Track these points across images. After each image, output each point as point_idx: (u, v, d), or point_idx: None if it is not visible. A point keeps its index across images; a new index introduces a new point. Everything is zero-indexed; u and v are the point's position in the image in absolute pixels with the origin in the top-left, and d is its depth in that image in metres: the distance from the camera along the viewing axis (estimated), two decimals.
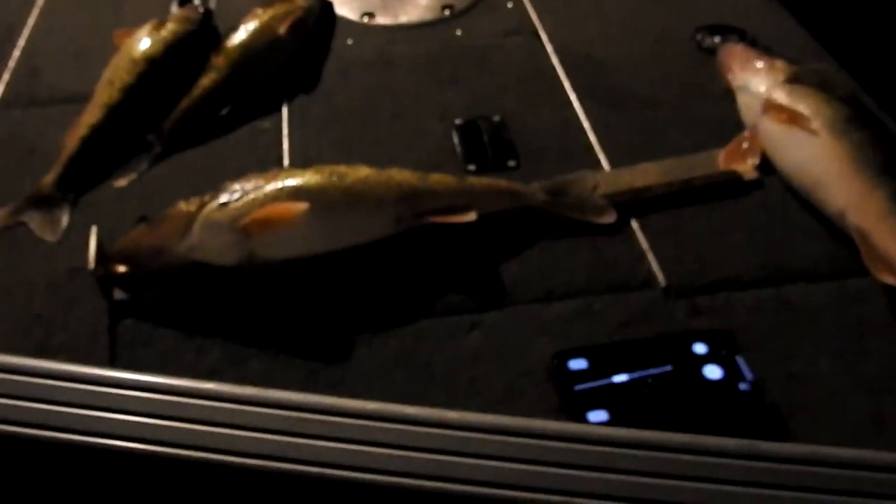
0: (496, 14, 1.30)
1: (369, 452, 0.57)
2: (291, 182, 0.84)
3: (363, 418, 0.59)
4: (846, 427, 0.73)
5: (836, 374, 0.78)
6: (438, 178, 0.89)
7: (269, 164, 1.02)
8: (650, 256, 0.89)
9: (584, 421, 0.71)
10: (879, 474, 0.56)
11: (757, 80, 1.03)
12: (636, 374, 0.75)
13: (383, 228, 0.86)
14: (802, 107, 0.96)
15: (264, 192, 0.83)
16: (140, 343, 0.79)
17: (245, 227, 0.80)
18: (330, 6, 1.31)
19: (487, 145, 1.03)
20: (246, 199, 0.82)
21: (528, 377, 0.78)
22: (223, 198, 0.83)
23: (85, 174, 0.98)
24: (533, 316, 0.83)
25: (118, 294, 0.83)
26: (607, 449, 0.57)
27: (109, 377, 0.65)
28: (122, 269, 0.83)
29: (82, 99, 1.09)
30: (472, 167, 1.00)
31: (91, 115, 1.02)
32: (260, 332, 0.80)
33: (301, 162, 1.02)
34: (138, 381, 0.64)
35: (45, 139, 1.05)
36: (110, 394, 0.63)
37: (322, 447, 0.57)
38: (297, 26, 1.18)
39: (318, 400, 0.59)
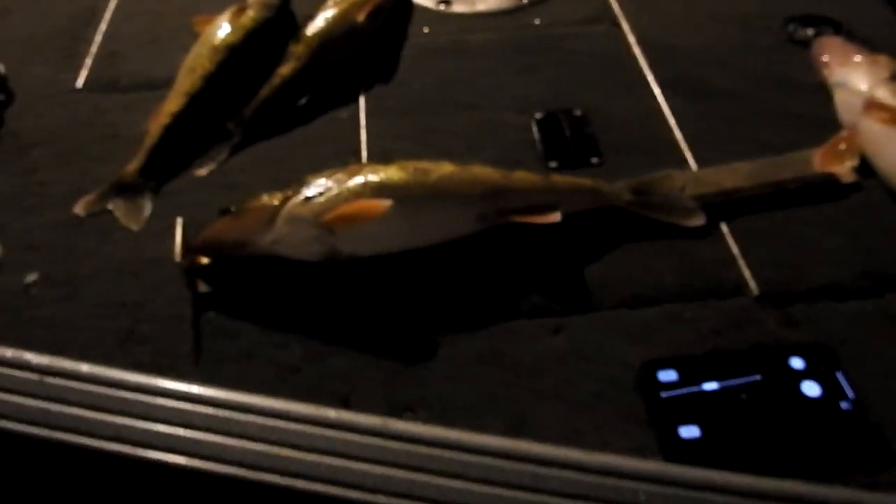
0: (575, 2, 1.27)
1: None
2: (375, 178, 0.82)
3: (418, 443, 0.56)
4: None
5: None
6: (522, 176, 0.86)
7: (346, 153, 1.01)
8: (741, 262, 0.85)
9: (675, 436, 0.69)
10: None
11: (857, 77, 0.98)
12: (729, 387, 0.72)
13: (466, 226, 0.84)
14: None
15: (348, 187, 0.82)
16: (223, 335, 0.80)
17: (328, 222, 0.79)
18: None
19: (569, 141, 1.00)
20: (329, 194, 0.81)
21: (614, 384, 0.75)
22: (306, 192, 0.82)
23: (167, 162, 0.99)
24: (619, 321, 0.81)
25: (202, 286, 0.83)
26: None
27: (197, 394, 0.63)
28: (205, 260, 0.83)
29: (162, 85, 1.09)
30: (553, 164, 0.97)
31: (173, 103, 1.02)
32: (342, 329, 0.80)
33: (378, 152, 1.01)
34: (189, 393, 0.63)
35: (126, 124, 1.06)
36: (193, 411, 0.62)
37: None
38: (375, 13, 1.16)
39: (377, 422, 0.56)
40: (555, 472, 0.55)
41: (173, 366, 0.76)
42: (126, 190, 0.94)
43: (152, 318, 0.82)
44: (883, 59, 0.99)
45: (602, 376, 0.76)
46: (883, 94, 0.93)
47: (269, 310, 0.82)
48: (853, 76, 0.99)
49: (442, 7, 1.27)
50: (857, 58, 1.01)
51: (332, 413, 0.58)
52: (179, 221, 0.83)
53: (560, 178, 0.89)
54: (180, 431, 0.58)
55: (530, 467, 0.55)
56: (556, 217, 0.83)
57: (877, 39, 1.12)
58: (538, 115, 1.04)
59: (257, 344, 0.79)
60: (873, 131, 0.93)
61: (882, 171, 0.92)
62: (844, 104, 0.99)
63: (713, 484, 0.54)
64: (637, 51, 1.16)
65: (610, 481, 0.54)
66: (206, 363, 0.77)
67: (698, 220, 0.88)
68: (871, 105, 0.93)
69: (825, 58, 1.05)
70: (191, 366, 0.77)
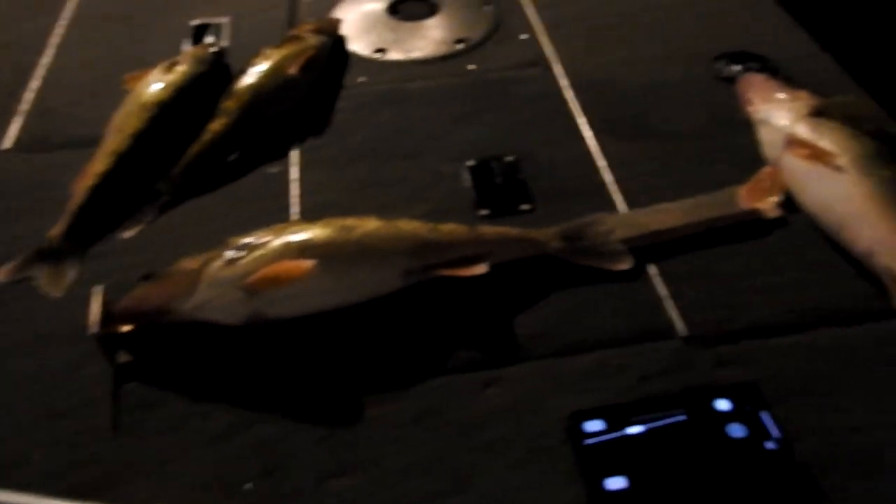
0: (510, 46, 1.28)
1: None
2: (298, 237, 0.82)
3: None
4: (886, 486, 0.70)
5: (874, 426, 0.74)
6: (449, 229, 0.86)
7: (280, 209, 1.00)
8: (670, 304, 0.86)
9: (601, 487, 0.68)
10: None
11: (779, 113, 1.00)
12: (654, 434, 0.72)
13: (393, 282, 0.84)
14: (827, 142, 0.92)
15: (271, 247, 0.81)
16: (145, 407, 0.78)
17: (251, 285, 0.78)
18: (342, 42, 1.30)
19: (501, 188, 1.00)
20: (252, 255, 0.80)
21: (548, 437, 0.74)
22: (228, 255, 0.81)
23: (93, 225, 0.97)
24: (550, 371, 0.80)
25: (122, 356, 0.81)
26: None
27: None
28: (125, 328, 0.81)
29: (95, 143, 1.07)
30: (484, 212, 0.97)
31: (99, 163, 1.01)
32: (268, 394, 0.78)
33: (313, 206, 1.00)
34: None
35: (58, 184, 1.04)
36: None
37: None
38: (309, 65, 1.16)
39: None
40: None
41: (89, 443, 0.74)
42: (50, 255, 0.93)
43: (71, 393, 0.79)
44: (803, 96, 1.01)
45: (535, 429, 0.75)
46: (803, 131, 0.95)
47: (193, 378, 0.80)
48: (775, 113, 1.01)
49: (378, 56, 1.28)
50: (780, 94, 1.03)
51: None
52: (97, 290, 0.81)
53: (488, 229, 0.89)
54: None
55: None
56: (482, 269, 0.83)
57: (805, 74, 1.15)
58: (470, 163, 1.04)
59: (181, 414, 0.77)
60: (795, 167, 0.94)
61: (804, 207, 0.93)
62: (768, 141, 1.01)
63: None
64: (570, 94, 1.17)
65: None
66: (126, 436, 0.75)
67: (627, 264, 0.88)
68: (792, 141, 0.95)
69: (749, 95, 1.07)
70: (110, 440, 0.75)
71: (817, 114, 0.96)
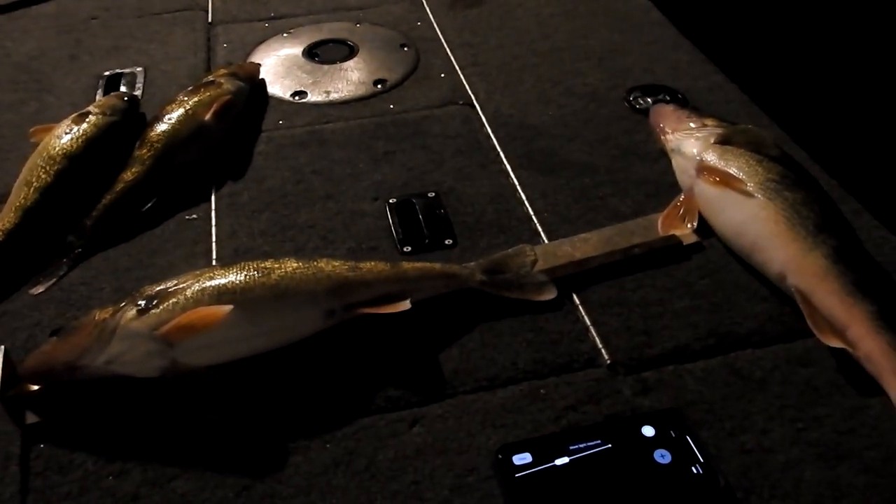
0: (429, 85, 1.30)
1: None
2: (213, 282, 0.80)
3: None
4: (806, 501, 0.71)
5: (790, 444, 0.75)
6: (370, 267, 0.85)
7: (197, 256, 0.98)
8: (594, 332, 0.86)
9: None
10: None
11: (688, 142, 1.03)
12: (583, 464, 0.72)
13: (314, 324, 0.82)
14: (735, 168, 0.95)
15: (185, 295, 0.79)
16: (55, 470, 0.74)
17: (165, 334, 0.76)
18: (262, 87, 1.29)
19: (423, 224, 1.00)
20: (165, 304, 0.78)
21: (474, 474, 0.74)
22: (141, 303, 0.78)
23: (0, 282, 0.93)
24: (476, 406, 0.79)
25: (30, 417, 0.77)
26: None
27: None
28: (33, 388, 0.77)
29: (0, 200, 1.04)
30: (407, 248, 0.97)
31: (6, 219, 0.97)
32: (185, 448, 0.75)
33: (230, 252, 0.98)
34: None
35: None
36: None
37: None
38: (224, 111, 1.15)
39: None
40: None
41: None
42: None
43: None
44: (710, 124, 1.05)
45: (461, 467, 0.74)
46: (712, 158, 0.98)
47: (105, 436, 0.76)
48: (686, 142, 1.04)
49: (296, 99, 1.27)
50: (689, 124, 1.07)
51: None
52: (1, 350, 0.77)
53: (409, 266, 0.88)
54: None
55: None
56: (405, 306, 0.83)
57: (713, 104, 1.20)
58: (392, 200, 1.04)
59: (92, 474, 0.73)
60: (707, 194, 0.97)
61: (718, 231, 0.96)
62: (680, 169, 1.04)
63: None
64: (489, 129, 1.19)
65: None
66: (35, 502, 0.71)
67: (550, 294, 0.89)
68: (702, 168, 0.98)
69: (661, 125, 1.11)
70: None
71: (724, 141, 1.00)
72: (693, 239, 0.96)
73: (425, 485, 0.73)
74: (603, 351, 0.84)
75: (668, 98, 1.21)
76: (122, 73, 1.33)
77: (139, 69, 1.34)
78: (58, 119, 1.15)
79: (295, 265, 0.84)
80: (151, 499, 0.71)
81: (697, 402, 0.79)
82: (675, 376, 0.82)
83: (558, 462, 0.72)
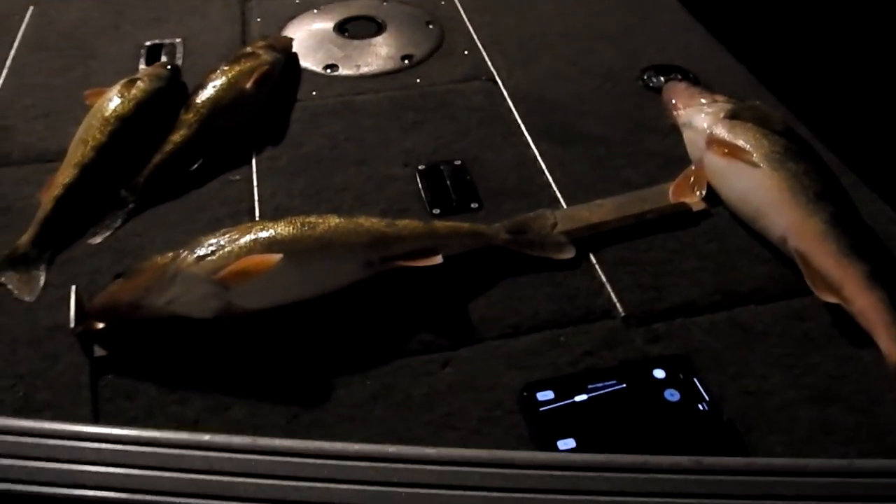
0: (453, 61, 1.37)
1: (355, 490, 0.60)
2: (265, 234, 0.87)
3: (346, 459, 0.62)
4: (799, 436, 0.78)
5: (787, 388, 0.83)
6: (405, 224, 0.93)
7: (240, 214, 1.05)
8: (609, 288, 0.94)
9: (554, 448, 0.75)
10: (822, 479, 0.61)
11: (699, 117, 1.10)
12: (600, 401, 0.80)
13: (355, 274, 0.90)
14: (742, 141, 1.02)
15: (239, 244, 0.86)
16: (122, 396, 0.82)
17: (222, 279, 0.83)
18: (295, 59, 1.36)
19: (450, 189, 1.07)
20: (221, 252, 0.85)
21: (500, 408, 0.81)
22: (199, 251, 0.86)
23: (61, 232, 1.00)
24: (502, 350, 0.87)
25: (98, 351, 0.85)
26: (573, 473, 0.61)
27: (93, 433, 0.67)
28: (100, 325, 0.85)
29: (55, 157, 1.12)
30: (436, 211, 1.04)
31: (65, 174, 1.05)
32: (240, 380, 0.83)
33: (271, 211, 1.06)
34: (120, 434, 0.66)
35: (19, 198, 1.07)
36: (95, 448, 0.65)
37: (308, 488, 0.60)
38: (263, 80, 1.22)
39: (302, 444, 0.62)
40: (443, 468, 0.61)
41: None
42: (19, 262, 0.96)
43: (50, 386, 0.83)
44: (720, 100, 1.12)
45: (489, 402, 0.82)
46: (721, 131, 1.05)
47: (167, 368, 0.84)
48: (696, 117, 1.11)
49: (328, 71, 1.34)
50: (700, 100, 1.14)
51: (206, 436, 0.63)
52: (73, 289, 0.85)
53: (441, 224, 0.96)
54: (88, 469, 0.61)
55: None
56: (437, 260, 0.90)
57: (720, 83, 1.26)
58: (421, 167, 1.12)
59: (157, 401, 0.81)
60: (715, 164, 1.04)
61: (725, 199, 1.03)
62: (691, 142, 1.11)
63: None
64: (510, 103, 1.26)
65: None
66: (106, 423, 0.79)
67: (569, 254, 0.97)
68: (712, 141, 1.05)
69: (673, 101, 1.18)
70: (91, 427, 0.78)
71: (732, 116, 1.07)
72: (702, 206, 1.04)
73: (457, 416, 0.81)
74: (617, 304, 0.92)
75: (679, 77, 1.28)
76: (162, 44, 1.39)
77: (178, 40, 1.41)
78: (103, 84, 1.22)
79: (337, 220, 0.91)
80: (210, 423, 0.79)
81: (703, 350, 0.87)
82: (682, 328, 0.90)
83: (578, 399, 0.80)
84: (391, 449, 0.62)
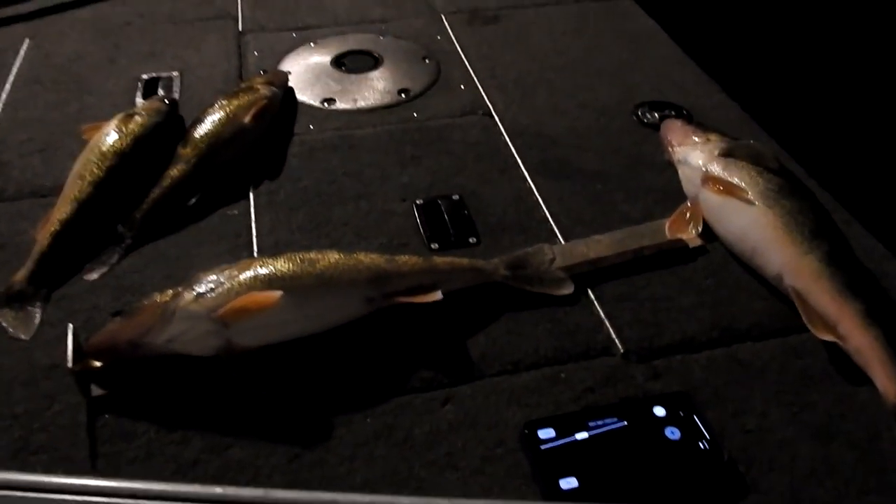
0: (450, 96, 1.38)
1: None
2: (264, 270, 0.87)
3: None
4: (800, 474, 0.79)
5: (786, 425, 0.83)
6: (405, 260, 0.93)
7: (239, 248, 1.05)
8: (608, 324, 0.94)
9: (557, 487, 0.75)
10: None
11: (694, 155, 1.11)
12: (601, 439, 0.80)
13: (355, 310, 0.90)
14: (737, 178, 1.04)
15: (238, 281, 0.86)
16: (120, 437, 0.81)
17: (222, 316, 0.83)
18: (292, 93, 1.37)
19: (448, 224, 1.08)
20: (221, 289, 0.85)
21: (502, 446, 0.81)
22: (198, 288, 0.86)
23: (57, 269, 1.00)
24: (503, 387, 0.87)
25: (96, 390, 0.84)
26: None
27: (95, 486, 0.65)
28: (98, 364, 0.85)
29: (50, 192, 1.12)
30: (435, 245, 1.05)
31: (62, 210, 1.04)
32: (240, 420, 0.83)
33: (270, 245, 1.06)
34: (124, 488, 0.64)
35: (15, 234, 1.07)
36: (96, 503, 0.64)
37: None
38: (262, 115, 1.22)
39: (314, 496, 0.61)
40: None
41: (70, 472, 0.76)
42: (14, 299, 0.95)
43: (46, 427, 0.82)
44: (714, 137, 1.14)
45: (490, 441, 0.82)
46: (716, 169, 1.07)
47: (166, 408, 0.84)
48: (692, 154, 1.12)
49: (326, 105, 1.35)
50: (695, 138, 1.15)
51: (217, 489, 0.61)
52: (70, 327, 0.84)
53: (440, 260, 0.96)
54: None
55: None
56: (437, 296, 0.90)
57: (716, 120, 1.28)
58: (419, 202, 1.12)
59: (156, 442, 0.80)
60: (711, 201, 1.05)
61: (721, 236, 1.04)
62: (686, 178, 1.12)
63: None
64: (507, 138, 1.27)
65: None
66: (104, 467, 0.78)
67: (568, 289, 0.97)
68: (707, 178, 1.06)
69: (669, 138, 1.19)
70: (88, 471, 0.77)
71: (727, 154, 1.08)
72: (698, 242, 1.05)
73: (458, 456, 0.80)
74: (616, 341, 0.92)
75: (673, 113, 1.30)
76: (158, 78, 1.40)
77: (175, 73, 1.42)
78: (100, 118, 1.22)
79: (337, 257, 0.91)
80: (211, 464, 0.79)
81: (703, 387, 0.87)
82: (682, 365, 0.90)
83: (579, 437, 0.80)
84: (404, 500, 0.61)
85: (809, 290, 0.91)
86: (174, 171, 1.12)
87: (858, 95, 1.49)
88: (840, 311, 0.89)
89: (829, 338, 0.88)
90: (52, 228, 1.02)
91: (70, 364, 0.82)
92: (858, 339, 0.87)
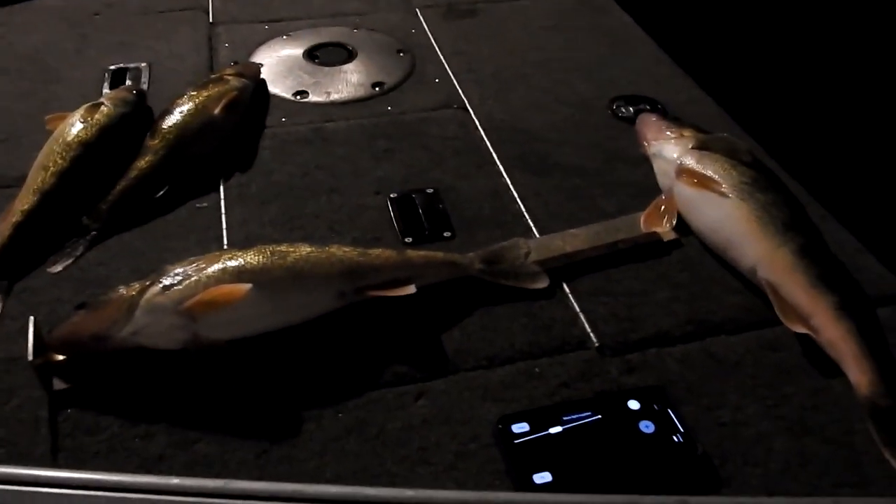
0: (424, 89, 1.37)
1: None
2: (233, 263, 0.85)
3: (323, 501, 0.59)
4: (774, 468, 0.78)
5: (761, 419, 0.83)
6: (378, 253, 0.92)
7: (208, 242, 1.03)
8: (583, 318, 0.93)
9: (531, 482, 0.74)
10: None
11: (669, 148, 1.11)
12: (576, 433, 0.79)
13: (326, 304, 0.88)
14: (711, 171, 1.03)
15: (207, 273, 0.84)
16: (83, 431, 0.78)
17: (189, 309, 0.81)
18: (264, 85, 1.35)
19: (423, 217, 1.07)
20: (188, 281, 0.83)
21: (476, 442, 0.80)
22: (165, 281, 0.83)
23: (19, 261, 0.97)
24: (477, 382, 0.86)
25: (58, 384, 0.81)
26: None
27: (52, 478, 0.63)
28: (60, 357, 0.82)
29: (14, 183, 1.09)
30: (409, 239, 1.03)
31: (24, 200, 1.02)
32: (207, 414, 0.80)
33: (241, 239, 1.03)
34: (82, 479, 0.63)
35: None
36: (55, 494, 0.62)
37: None
38: (232, 106, 1.20)
39: (276, 487, 0.59)
40: None
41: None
42: None
43: (6, 422, 0.79)
44: (689, 132, 1.13)
45: (464, 436, 0.81)
46: (689, 162, 1.06)
47: (130, 401, 0.81)
48: (666, 148, 1.12)
49: (298, 98, 1.33)
50: (669, 132, 1.15)
51: (174, 479, 0.60)
52: (32, 320, 0.82)
53: (414, 253, 0.95)
54: None
55: None
56: (411, 289, 0.89)
57: (690, 114, 1.28)
58: (393, 195, 1.11)
59: (119, 436, 0.78)
60: (685, 194, 1.05)
61: (695, 229, 1.04)
62: (661, 172, 1.12)
63: None
64: (482, 132, 1.26)
65: None
66: (66, 461, 0.76)
67: (542, 283, 0.96)
68: (682, 171, 1.06)
69: (643, 132, 1.19)
70: (49, 465, 0.75)
71: (701, 147, 1.08)
72: (672, 236, 1.04)
73: (432, 451, 0.79)
74: (591, 335, 0.92)
75: (648, 108, 1.30)
76: (127, 68, 1.37)
77: (144, 65, 1.39)
78: (66, 109, 1.19)
79: (309, 250, 0.89)
80: (176, 459, 0.77)
81: (678, 382, 0.87)
82: (657, 358, 0.89)
83: (553, 431, 0.79)
84: (369, 491, 0.60)
85: (783, 283, 0.91)
86: (142, 163, 1.10)
87: (833, 91, 1.50)
88: (813, 303, 0.89)
89: (802, 330, 0.88)
90: (15, 219, 0.99)
91: (31, 357, 0.80)
92: (831, 331, 0.87)
